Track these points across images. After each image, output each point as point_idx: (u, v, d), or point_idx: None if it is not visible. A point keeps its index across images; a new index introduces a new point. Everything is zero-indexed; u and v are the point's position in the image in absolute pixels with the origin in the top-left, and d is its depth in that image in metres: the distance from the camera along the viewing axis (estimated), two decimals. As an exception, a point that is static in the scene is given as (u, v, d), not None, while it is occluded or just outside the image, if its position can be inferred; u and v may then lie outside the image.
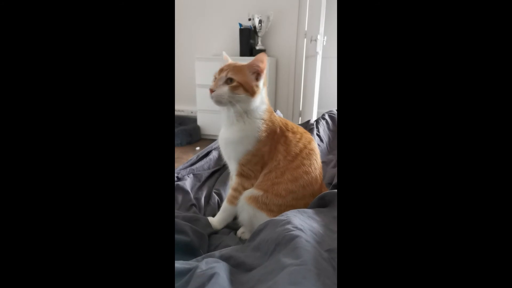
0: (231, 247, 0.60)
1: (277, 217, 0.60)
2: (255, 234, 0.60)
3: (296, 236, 0.50)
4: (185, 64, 2.77)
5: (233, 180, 0.80)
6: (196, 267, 0.48)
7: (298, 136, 0.78)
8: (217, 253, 0.56)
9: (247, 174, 0.76)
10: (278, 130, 0.76)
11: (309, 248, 0.47)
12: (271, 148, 0.75)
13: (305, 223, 0.57)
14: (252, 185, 0.76)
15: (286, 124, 0.80)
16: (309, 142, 0.78)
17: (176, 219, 0.69)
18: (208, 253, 0.59)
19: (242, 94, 0.71)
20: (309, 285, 0.39)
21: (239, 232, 0.78)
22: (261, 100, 0.75)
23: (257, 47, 2.42)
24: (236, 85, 0.70)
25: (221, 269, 0.47)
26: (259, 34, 2.42)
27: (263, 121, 0.74)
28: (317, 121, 1.57)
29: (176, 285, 0.47)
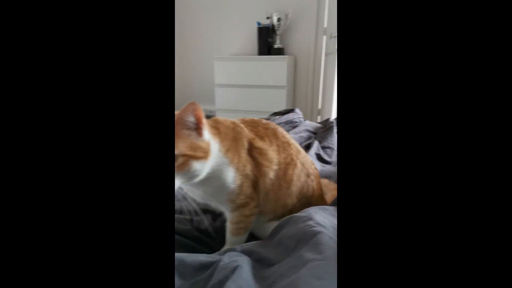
0: (252, 242, 0.60)
1: (298, 214, 0.60)
2: (276, 230, 0.60)
3: (318, 232, 0.50)
4: (204, 64, 2.82)
5: (228, 215, 0.66)
6: (219, 260, 0.49)
7: (267, 142, 0.68)
8: (238, 247, 0.57)
9: (244, 203, 0.64)
10: (245, 141, 0.65)
11: (332, 244, 0.47)
12: (246, 158, 0.63)
13: (327, 220, 0.56)
14: (256, 207, 0.66)
15: (241, 131, 0.66)
16: (276, 137, 0.69)
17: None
18: (230, 248, 0.60)
19: (196, 166, 0.51)
20: (333, 280, 0.38)
21: None
22: (213, 150, 0.56)
23: (276, 46, 2.41)
24: (183, 162, 0.49)
25: (244, 262, 0.48)
26: (278, 33, 2.40)
27: (221, 153, 0.59)
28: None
29: (199, 277, 0.48)
